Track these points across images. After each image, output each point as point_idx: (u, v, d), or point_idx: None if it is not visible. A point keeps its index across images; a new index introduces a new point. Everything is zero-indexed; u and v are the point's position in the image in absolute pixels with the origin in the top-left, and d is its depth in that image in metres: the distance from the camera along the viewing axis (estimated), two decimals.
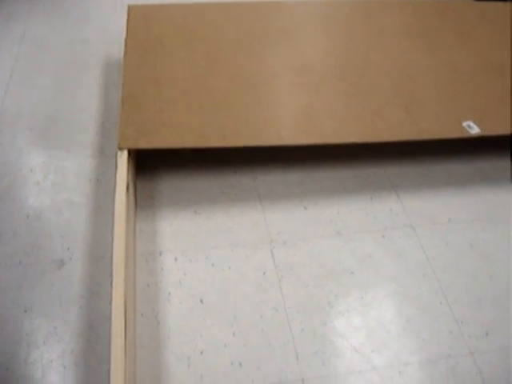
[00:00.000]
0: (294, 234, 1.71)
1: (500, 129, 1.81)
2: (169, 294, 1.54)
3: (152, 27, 2.04)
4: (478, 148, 2.06)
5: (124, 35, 2.00)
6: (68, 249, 1.63)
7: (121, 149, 1.62)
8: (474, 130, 1.78)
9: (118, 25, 2.27)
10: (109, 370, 1.16)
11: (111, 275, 1.33)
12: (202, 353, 1.44)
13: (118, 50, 2.20)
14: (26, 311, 1.47)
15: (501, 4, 2.46)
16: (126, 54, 1.92)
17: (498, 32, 2.21)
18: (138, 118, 1.70)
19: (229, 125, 1.70)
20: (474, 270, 1.67)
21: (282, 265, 1.63)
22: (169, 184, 1.81)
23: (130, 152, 1.63)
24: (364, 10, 2.26)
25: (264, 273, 1.61)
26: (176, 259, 1.62)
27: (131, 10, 2.11)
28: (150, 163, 1.88)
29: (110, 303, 1.27)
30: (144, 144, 1.64)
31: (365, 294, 1.59)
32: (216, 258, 1.63)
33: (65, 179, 1.81)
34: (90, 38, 2.40)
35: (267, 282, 1.59)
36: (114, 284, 1.33)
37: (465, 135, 1.77)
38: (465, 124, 1.80)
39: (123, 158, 1.60)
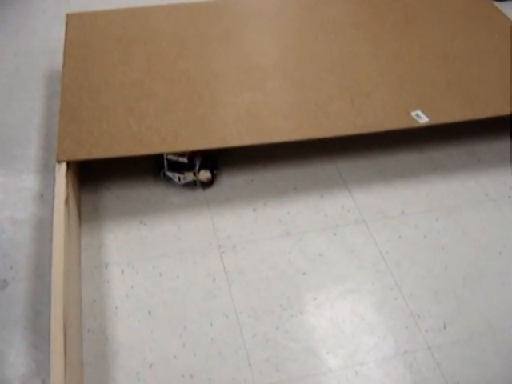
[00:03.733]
0: (243, 237, 1.67)
1: (449, 116, 1.78)
2: (116, 307, 1.49)
3: (91, 35, 1.99)
4: (429, 137, 2.03)
5: None
6: (11, 268, 1.57)
7: (59, 161, 1.57)
8: (423, 120, 1.76)
9: (61, 34, 2.20)
10: None
11: None
12: (151, 366, 1.39)
13: (60, 60, 2.13)
14: None
15: None
16: (64, 63, 1.87)
17: (445, 19, 2.18)
18: (77, 128, 1.65)
19: (169, 129, 1.66)
20: (429, 262, 1.64)
21: (232, 270, 1.59)
22: (114, 195, 1.76)
23: (69, 164, 1.58)
24: (307, 3, 2.23)
25: (214, 279, 1.56)
26: (123, 271, 1.57)
27: (70, 18, 2.06)
28: (94, 174, 1.83)
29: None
30: (83, 155, 1.59)
31: (317, 294, 1.55)
32: (163, 267, 1.58)
33: (6, 196, 1.75)
34: (32, 48, 2.34)
35: (217, 289, 1.54)
36: (52, 302, 1.28)
37: (413, 125, 1.75)
38: (413, 114, 1.77)
39: (61, 171, 1.55)
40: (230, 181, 1.82)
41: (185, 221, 1.70)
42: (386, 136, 1.90)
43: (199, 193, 1.78)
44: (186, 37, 2.01)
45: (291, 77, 1.87)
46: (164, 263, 1.59)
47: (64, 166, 1.56)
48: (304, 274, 1.59)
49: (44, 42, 2.37)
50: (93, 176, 1.82)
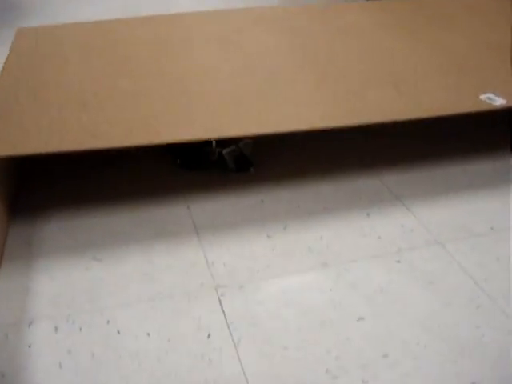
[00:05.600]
0: (254, 272, 1.06)
1: None
2: None
3: (42, 46, 1.52)
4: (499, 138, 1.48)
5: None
6: None
7: None
8: (498, 102, 1.24)
9: None
10: None
11: None
12: None
13: None
14: None
15: None
16: (3, 69, 1.39)
17: (487, 21, 1.73)
18: (1, 126, 1.12)
19: (137, 120, 1.13)
20: None
21: (238, 320, 0.96)
22: (58, 225, 1.18)
23: None
24: (323, 12, 1.79)
25: (208, 335, 0.94)
26: (56, 329, 0.94)
27: (19, 32, 1.61)
28: (33, 201, 1.26)
29: None
30: (2, 151, 1.05)
31: (387, 349, 0.92)
32: (124, 320, 0.96)
33: None
34: None
35: (214, 350, 0.91)
36: None
37: (486, 108, 1.22)
38: (483, 96, 1.25)
39: None
40: (231, 202, 1.25)
41: (162, 254, 1.10)
42: (445, 136, 1.38)
43: (185, 217, 1.20)
44: (171, 42, 1.54)
45: (309, 71, 1.37)
46: (125, 315, 0.97)
47: None
48: (361, 319, 0.97)
49: None
50: (31, 204, 1.25)
